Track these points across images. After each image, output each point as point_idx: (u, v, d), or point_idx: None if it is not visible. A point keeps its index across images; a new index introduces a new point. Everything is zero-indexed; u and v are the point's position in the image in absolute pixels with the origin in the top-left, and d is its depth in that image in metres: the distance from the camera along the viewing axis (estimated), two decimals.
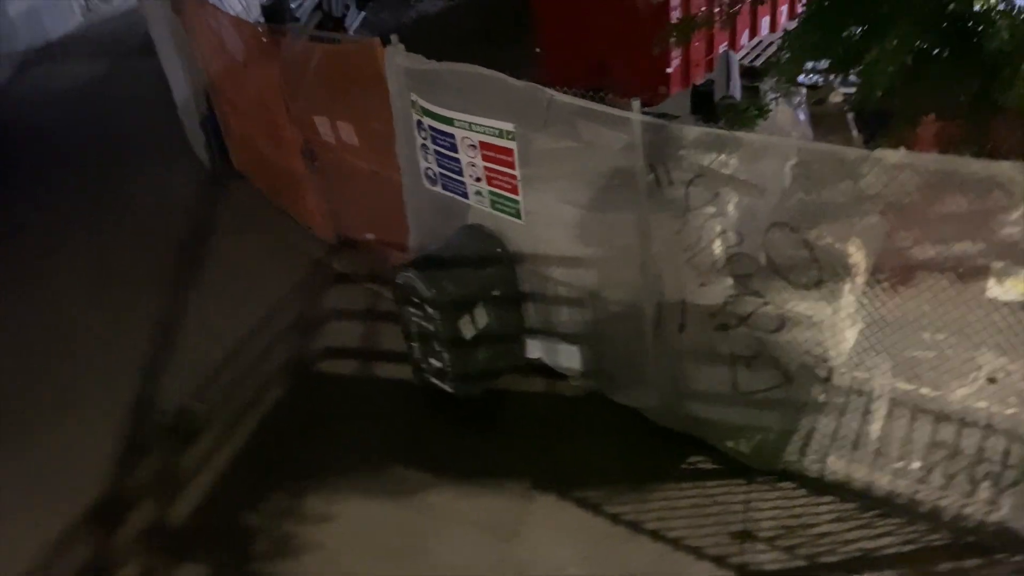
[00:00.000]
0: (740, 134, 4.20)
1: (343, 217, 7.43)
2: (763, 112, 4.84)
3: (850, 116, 6.26)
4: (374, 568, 4.63)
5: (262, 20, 12.56)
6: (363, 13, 13.48)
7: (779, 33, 10.05)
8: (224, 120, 8.97)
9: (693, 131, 4.38)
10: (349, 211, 7.31)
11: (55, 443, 5.82)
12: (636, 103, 4.26)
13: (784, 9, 10.26)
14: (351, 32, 12.67)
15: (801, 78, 6.25)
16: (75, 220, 9.04)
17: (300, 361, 6.31)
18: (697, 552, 4.41)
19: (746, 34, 9.85)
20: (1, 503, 5.39)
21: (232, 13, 9.92)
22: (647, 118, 4.29)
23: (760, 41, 9.83)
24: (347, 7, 13.28)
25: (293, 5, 13.26)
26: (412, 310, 5.19)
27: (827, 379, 4.36)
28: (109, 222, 8.86)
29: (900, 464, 4.39)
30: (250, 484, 5.29)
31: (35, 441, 5.89)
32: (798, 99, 6.45)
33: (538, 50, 9.88)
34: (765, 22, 10.11)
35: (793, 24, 7.40)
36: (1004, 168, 3.33)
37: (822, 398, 4.46)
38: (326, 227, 7.61)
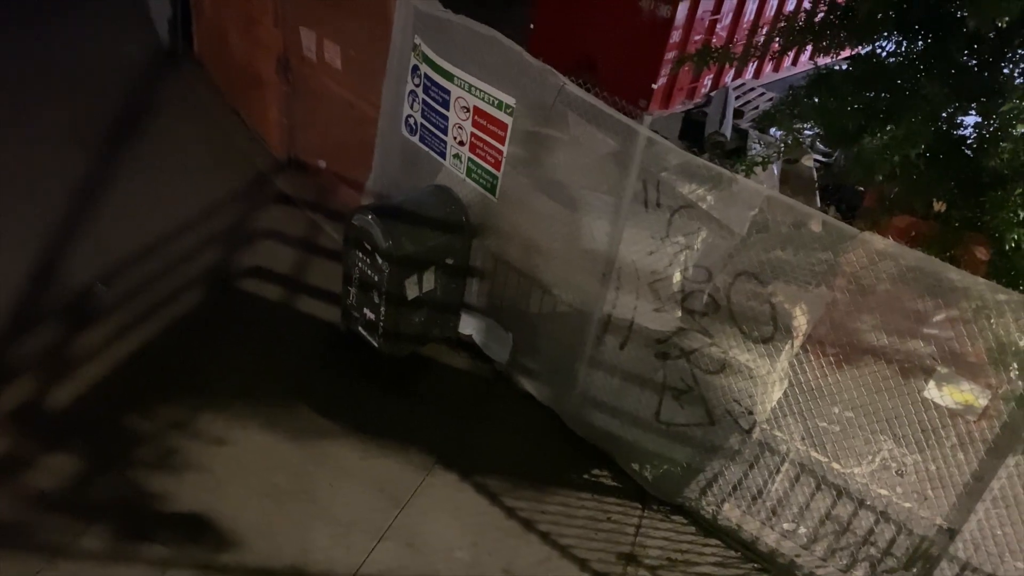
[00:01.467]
0: (735, 175, 4.21)
1: (300, 137, 7.12)
2: (765, 163, 4.88)
3: (817, 184, 6.43)
4: (257, 504, 4.46)
5: None
6: None
7: (763, 80, 10.29)
8: (197, 1, 8.42)
9: (688, 158, 4.37)
10: (309, 133, 7.00)
11: None
12: (648, 118, 4.21)
13: (771, 62, 10.47)
14: None
15: (776, 132, 6.39)
16: (18, 69, 8.29)
17: (223, 272, 6.02)
18: (582, 564, 4.46)
19: (731, 74, 10.00)
20: None
21: None
22: (653, 135, 4.26)
23: (743, 83, 10.00)
24: None
25: None
26: (360, 256, 5.00)
27: (748, 431, 4.46)
28: (53, 77, 8.17)
29: (790, 526, 4.55)
30: (144, 386, 5.01)
31: None
32: (774, 154, 6.59)
33: (531, 27, 9.72)
34: (751, 68, 10.30)
35: (777, 75, 7.54)
36: (979, 285, 3.46)
37: (737, 447, 4.56)
38: (279, 142, 7.28)
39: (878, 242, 3.71)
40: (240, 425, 4.85)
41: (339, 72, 6.24)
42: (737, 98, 9.43)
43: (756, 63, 10.33)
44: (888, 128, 4.26)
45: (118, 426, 4.75)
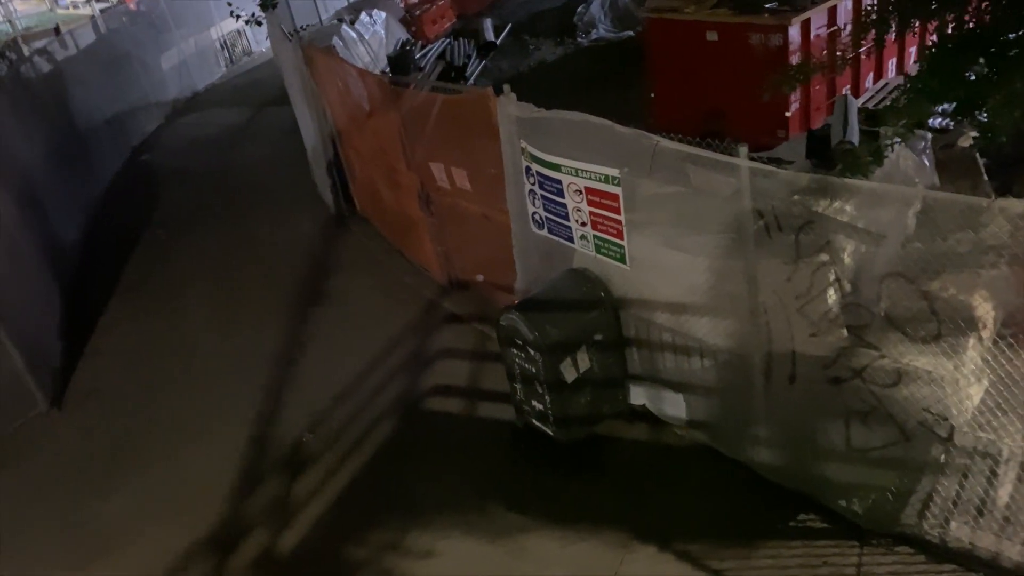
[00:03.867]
0: (849, 181, 4.07)
1: (455, 259, 7.64)
2: (878, 158, 4.66)
3: (981, 162, 5.94)
4: None
5: (388, 70, 13.27)
6: (483, 62, 13.92)
7: (896, 77, 9.74)
8: (349, 166, 9.45)
9: (802, 178, 4.27)
10: (461, 254, 7.51)
11: (177, 470, 6.21)
12: (743, 149, 4.21)
13: (913, 51, 9.89)
14: (471, 81, 13.12)
15: (931, 122, 6.04)
16: (209, 258, 9.73)
17: (409, 398, 6.49)
18: None
19: (871, 77, 9.56)
20: (123, 525, 5.77)
21: (360, 63, 10.51)
22: (754, 164, 4.23)
23: (886, 84, 9.52)
24: (468, 57, 13.78)
25: (418, 55, 13.91)
26: (515, 352, 5.25)
27: (948, 438, 4.09)
28: (239, 260, 9.48)
29: None
30: (357, 517, 5.44)
31: (160, 466, 6.31)
32: (923, 144, 6.20)
33: (651, 95, 9.92)
34: (891, 64, 9.80)
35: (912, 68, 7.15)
36: None
37: (943, 458, 4.18)
38: (439, 269, 7.84)
39: (1016, 205, 3.42)
40: (444, 536, 5.12)
41: (470, 192, 6.72)
42: (881, 100, 8.99)
43: (896, 60, 9.85)
44: (1007, 85, 3.98)
45: (339, 557, 5.18)
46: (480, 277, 7.40)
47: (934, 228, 3.95)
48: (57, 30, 15.01)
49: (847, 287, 4.29)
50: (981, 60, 4.23)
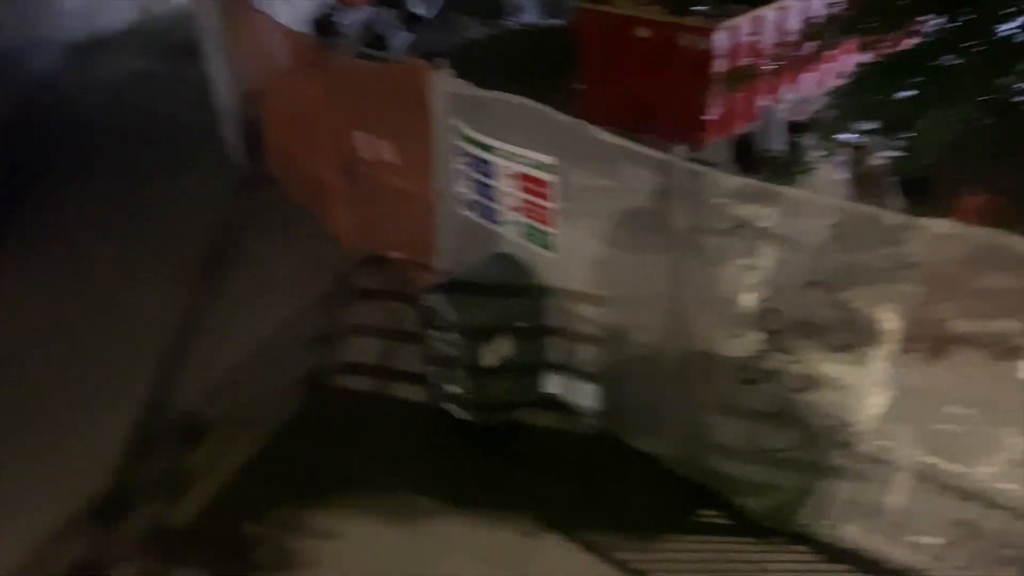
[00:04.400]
0: (782, 188, 4.17)
1: (372, 233, 7.44)
2: (807, 169, 4.79)
3: (891, 181, 6.21)
4: None
5: (310, 33, 12.78)
6: (410, 34, 13.61)
7: (823, 90, 10.08)
8: (264, 125, 9.05)
9: (736, 181, 4.35)
10: (379, 227, 7.32)
11: (63, 437, 5.79)
12: (681, 149, 4.24)
13: (830, 67, 10.25)
14: (397, 52, 12.81)
15: (844, 137, 6.26)
16: (106, 212, 9.14)
17: (317, 373, 6.29)
18: None
19: (789, 88, 9.85)
20: (4, 492, 5.37)
21: (282, 21, 10.05)
22: (690, 164, 4.27)
23: (803, 97, 9.82)
24: (394, 27, 13.44)
25: (341, 21, 13.46)
26: (435, 333, 5.16)
27: (849, 444, 4.27)
28: (140, 216, 8.93)
29: (919, 538, 4.28)
30: (255, 494, 5.24)
31: (44, 434, 5.86)
32: (839, 160, 6.44)
33: (580, 86, 9.93)
34: (810, 79, 10.12)
35: (840, 83, 7.40)
36: None
37: (842, 463, 4.36)
38: (355, 241, 7.63)
39: (941, 226, 3.57)
40: (347, 517, 4.98)
41: (395, 166, 6.55)
42: (797, 110, 9.27)
43: (816, 73, 10.19)
44: (937, 110, 4.15)
45: (235, 536, 4.98)
46: (397, 253, 7.23)
47: (853, 241, 4.10)
48: None
49: (766, 292, 4.40)
50: (911, 82, 4.38)
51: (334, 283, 7.41)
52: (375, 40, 12.94)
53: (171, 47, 14.40)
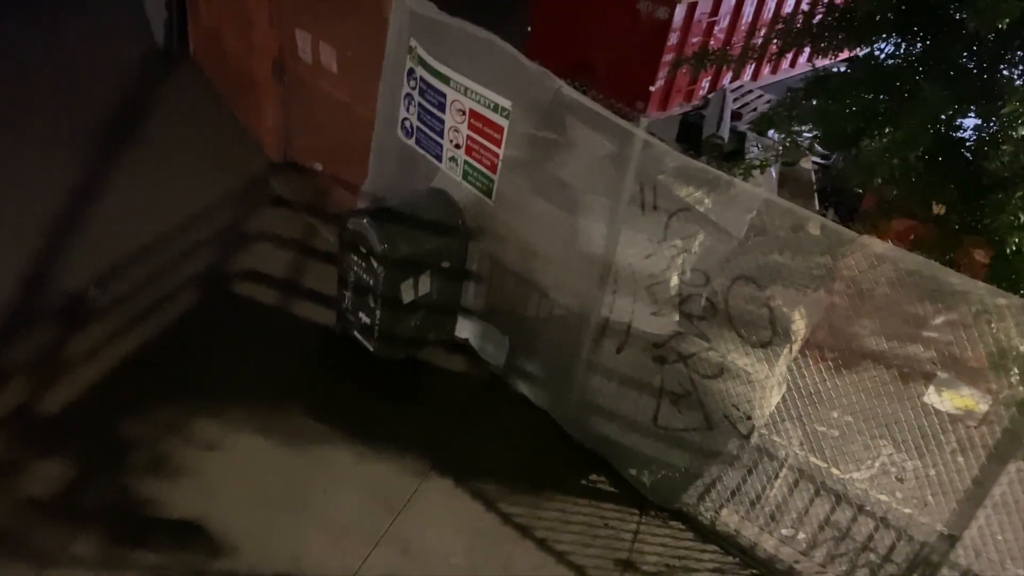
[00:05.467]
0: (732, 178, 4.18)
1: (296, 140, 7.09)
2: (762, 166, 4.84)
3: (822, 189, 6.40)
4: (250, 510, 4.42)
5: None
6: None
7: (760, 82, 10.26)
8: (192, 2, 8.39)
9: (685, 160, 4.33)
10: (305, 136, 6.97)
11: None
12: (644, 120, 4.18)
13: (770, 63, 10.43)
14: None
15: (773, 135, 6.37)
16: (10, 66, 8.27)
17: (218, 274, 5.98)
18: (579, 570, 4.42)
19: (728, 76, 9.97)
20: None
21: None
22: (650, 137, 4.22)
23: (741, 86, 9.97)
24: None
25: None
26: (356, 259, 4.97)
27: (747, 436, 4.42)
28: (47, 76, 8.16)
29: (789, 532, 4.52)
30: (136, 390, 4.97)
31: None
32: (773, 156, 6.56)
33: (528, 29, 9.69)
34: (749, 70, 10.27)
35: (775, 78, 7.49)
36: (979, 288, 3.43)
37: (736, 452, 4.52)
38: (275, 144, 7.23)
39: (876, 245, 3.68)
40: (233, 429, 4.80)
41: (335, 75, 6.21)
42: (735, 100, 9.41)
43: (754, 65, 10.34)
44: (887, 130, 4.23)
45: (111, 431, 4.71)
46: (319, 165, 6.92)
47: (782, 241, 4.19)
48: None
49: (696, 278, 4.45)
50: (864, 97, 4.46)
51: (248, 184, 7.04)
52: None
53: None
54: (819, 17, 4.76)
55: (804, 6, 5.15)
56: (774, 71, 10.71)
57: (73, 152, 6.93)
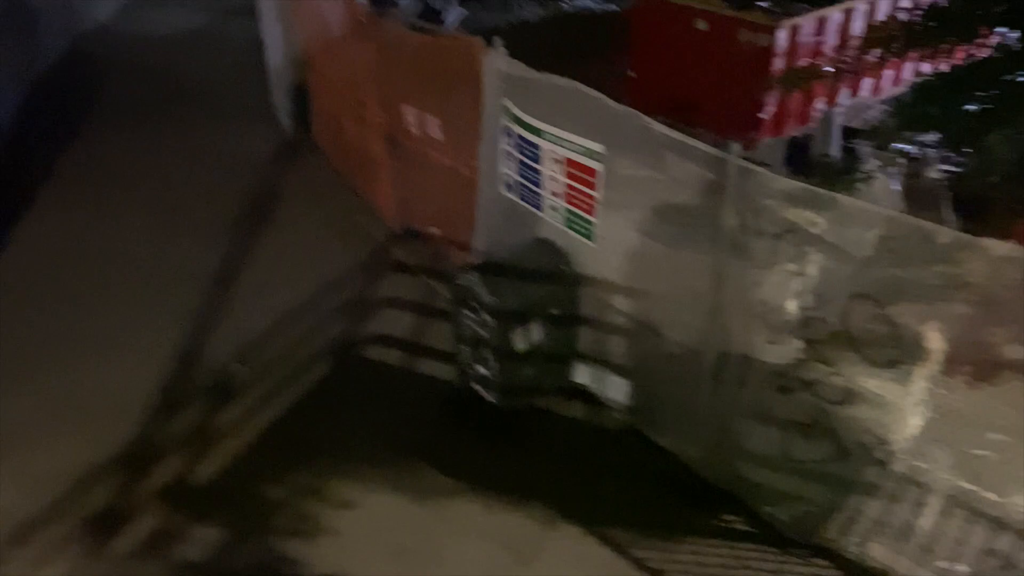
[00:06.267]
0: (838, 195, 4.04)
1: (412, 207, 7.42)
2: (861, 177, 4.66)
3: (947, 196, 6.03)
4: (386, 565, 4.56)
5: (364, 1, 12.74)
6: (463, 10, 13.51)
7: (881, 97, 9.83)
8: (312, 91, 9.04)
9: (787, 183, 4.23)
10: (419, 202, 7.29)
11: (93, 379, 5.88)
12: (736, 146, 4.13)
13: (890, 74, 10.00)
14: (448, 27, 12.73)
15: (902, 147, 6.09)
16: (152, 161, 9.24)
17: (347, 342, 6.30)
18: None
19: (846, 93, 9.62)
20: (32, 431, 5.45)
21: None
22: (744, 162, 4.16)
23: (859, 102, 9.59)
24: (448, 1, 13.35)
25: None
26: (468, 313, 5.12)
27: (884, 462, 4.16)
28: (184, 169, 9.02)
29: (946, 564, 4.18)
30: (278, 456, 5.27)
31: (73, 372, 5.96)
32: (893, 170, 6.27)
33: (630, 73, 9.78)
34: (867, 84, 9.89)
35: (897, 91, 7.21)
36: None
37: (875, 481, 4.26)
38: (394, 214, 7.61)
39: (1000, 248, 3.44)
40: (367, 487, 5.00)
41: (440, 142, 6.50)
42: (856, 116, 9.06)
43: (874, 79, 9.94)
44: (1005, 127, 4.00)
45: (256, 495, 5.01)
46: (435, 229, 7.20)
47: (903, 255, 3.97)
48: None
49: (810, 300, 4.29)
50: (978, 96, 4.23)
51: (371, 253, 7.41)
52: (429, 13, 12.89)
53: (227, 5, 14.50)
54: (914, 18, 4.58)
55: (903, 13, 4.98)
56: (896, 83, 10.26)
57: (214, 239, 7.54)
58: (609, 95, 4.76)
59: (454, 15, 13.24)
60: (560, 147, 5.01)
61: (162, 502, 4.96)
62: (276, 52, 9.53)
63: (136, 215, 8.14)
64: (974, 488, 4.07)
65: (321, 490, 5.00)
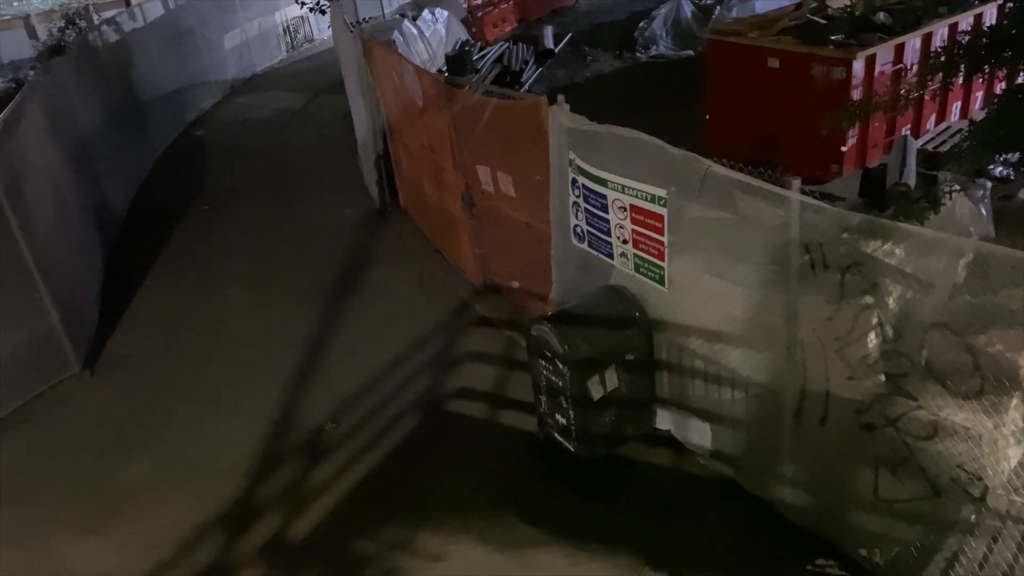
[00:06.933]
0: (903, 225, 3.96)
1: (492, 263, 7.62)
2: (935, 205, 4.53)
3: None
4: None
5: (444, 68, 13.31)
6: (540, 69, 13.89)
7: (962, 121, 9.51)
8: (396, 160, 9.48)
9: (853, 217, 4.17)
10: (498, 258, 7.48)
11: (198, 443, 6.27)
12: (796, 182, 4.12)
13: (979, 95, 9.67)
14: (526, 87, 13.11)
15: (992, 170, 5.89)
16: (251, 236, 9.84)
17: (434, 397, 6.48)
18: None
19: (932, 119, 9.36)
20: (138, 492, 5.83)
21: (418, 60, 10.54)
22: (805, 198, 4.14)
23: (948, 127, 9.30)
24: (526, 62, 13.76)
25: (476, 57, 13.94)
26: (543, 363, 5.21)
27: (981, 499, 3.95)
28: (280, 241, 9.57)
29: None
30: (370, 511, 5.43)
31: (181, 437, 6.38)
32: (982, 192, 6.04)
33: (707, 117, 9.81)
34: (955, 108, 9.59)
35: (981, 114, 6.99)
36: None
37: (973, 519, 4.04)
38: (476, 271, 7.82)
39: None
40: (454, 540, 5.09)
41: (514, 198, 6.70)
42: (942, 143, 8.80)
43: (960, 103, 9.64)
44: None
45: (349, 550, 5.18)
46: (515, 283, 7.36)
47: (986, 281, 3.83)
48: (127, 1, 15.29)
49: (889, 333, 4.18)
50: None
51: (455, 310, 7.63)
52: (507, 74, 13.32)
53: (316, 83, 15.41)
54: (984, 40, 4.49)
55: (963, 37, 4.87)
56: (983, 105, 9.90)
57: (310, 304, 7.95)
58: (688, 140, 4.81)
59: (530, 75, 13.62)
60: (625, 195, 5.09)
61: (262, 559, 5.19)
62: (363, 125, 10.05)
63: (237, 286, 8.68)
64: None
65: (410, 543, 5.12)
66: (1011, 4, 4.02)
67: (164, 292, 8.80)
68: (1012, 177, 6.22)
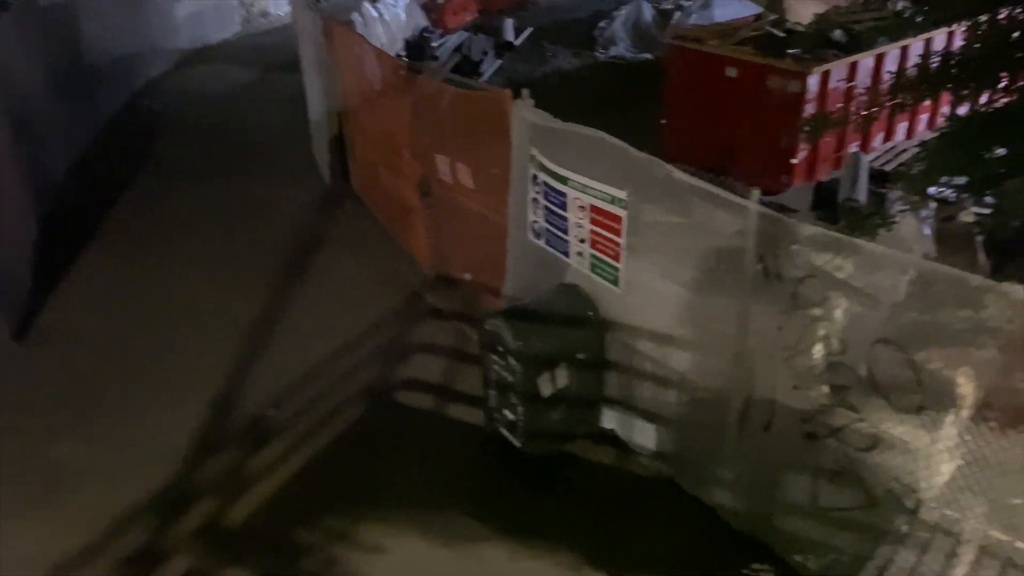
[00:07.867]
0: (858, 241, 4.06)
1: (446, 253, 7.56)
2: (887, 222, 4.66)
3: (979, 239, 5.97)
4: None
5: (403, 54, 13.15)
6: (500, 61, 13.84)
7: (915, 140, 9.78)
8: (351, 143, 9.33)
9: (810, 229, 4.26)
10: (452, 249, 7.43)
11: (133, 424, 6.08)
12: (755, 192, 4.19)
13: (924, 117, 9.96)
14: (485, 78, 13.04)
15: (932, 191, 6.07)
16: (196, 214, 9.56)
17: (380, 387, 6.40)
18: None
19: (880, 137, 9.61)
20: (68, 473, 5.64)
21: (376, 43, 10.38)
22: (763, 208, 4.21)
23: (894, 147, 9.57)
24: (485, 53, 13.70)
25: (435, 44, 13.82)
26: (495, 358, 5.20)
27: (914, 511, 4.08)
28: (227, 220, 9.33)
29: None
30: (310, 500, 5.35)
31: (115, 417, 6.18)
32: (925, 213, 6.23)
33: (663, 121, 9.90)
34: (902, 128, 9.86)
35: (931, 135, 7.20)
36: None
37: (905, 529, 4.18)
38: (428, 260, 7.76)
39: (1018, 292, 3.42)
40: (396, 532, 5.04)
41: (472, 190, 6.65)
42: (890, 160, 9.04)
43: (907, 123, 9.91)
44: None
45: (287, 539, 5.08)
46: (468, 276, 7.32)
47: (930, 300, 3.95)
48: None
49: (835, 345, 4.28)
50: (1004, 140, 4.23)
51: (407, 299, 7.55)
52: (465, 64, 13.23)
53: (272, 60, 15.07)
54: (936, 65, 4.62)
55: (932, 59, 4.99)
56: (930, 126, 10.21)
57: (257, 288, 7.77)
58: (643, 143, 4.85)
59: (490, 65, 13.56)
60: (585, 194, 5.11)
61: (196, 544, 5.07)
62: (317, 106, 9.88)
63: (179, 265, 8.42)
64: (1009, 538, 3.96)
65: (351, 534, 5.06)
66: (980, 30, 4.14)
67: (103, 266, 8.49)
68: (954, 199, 6.42)
